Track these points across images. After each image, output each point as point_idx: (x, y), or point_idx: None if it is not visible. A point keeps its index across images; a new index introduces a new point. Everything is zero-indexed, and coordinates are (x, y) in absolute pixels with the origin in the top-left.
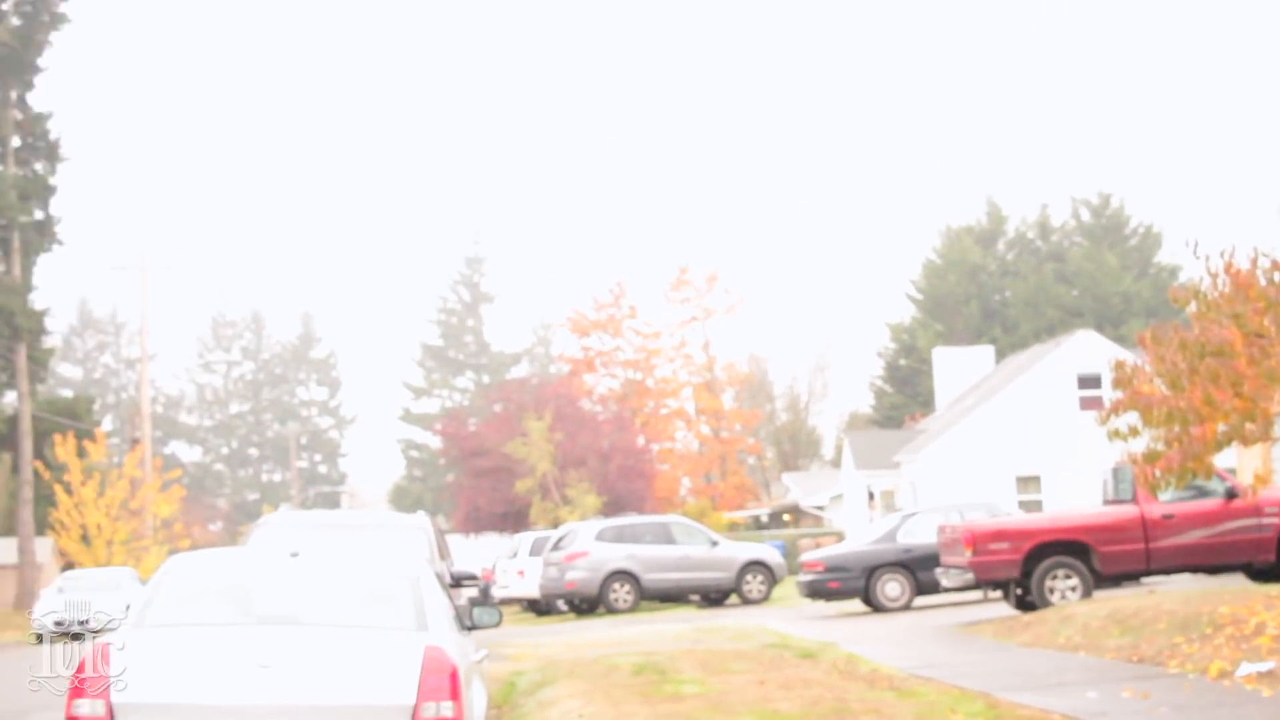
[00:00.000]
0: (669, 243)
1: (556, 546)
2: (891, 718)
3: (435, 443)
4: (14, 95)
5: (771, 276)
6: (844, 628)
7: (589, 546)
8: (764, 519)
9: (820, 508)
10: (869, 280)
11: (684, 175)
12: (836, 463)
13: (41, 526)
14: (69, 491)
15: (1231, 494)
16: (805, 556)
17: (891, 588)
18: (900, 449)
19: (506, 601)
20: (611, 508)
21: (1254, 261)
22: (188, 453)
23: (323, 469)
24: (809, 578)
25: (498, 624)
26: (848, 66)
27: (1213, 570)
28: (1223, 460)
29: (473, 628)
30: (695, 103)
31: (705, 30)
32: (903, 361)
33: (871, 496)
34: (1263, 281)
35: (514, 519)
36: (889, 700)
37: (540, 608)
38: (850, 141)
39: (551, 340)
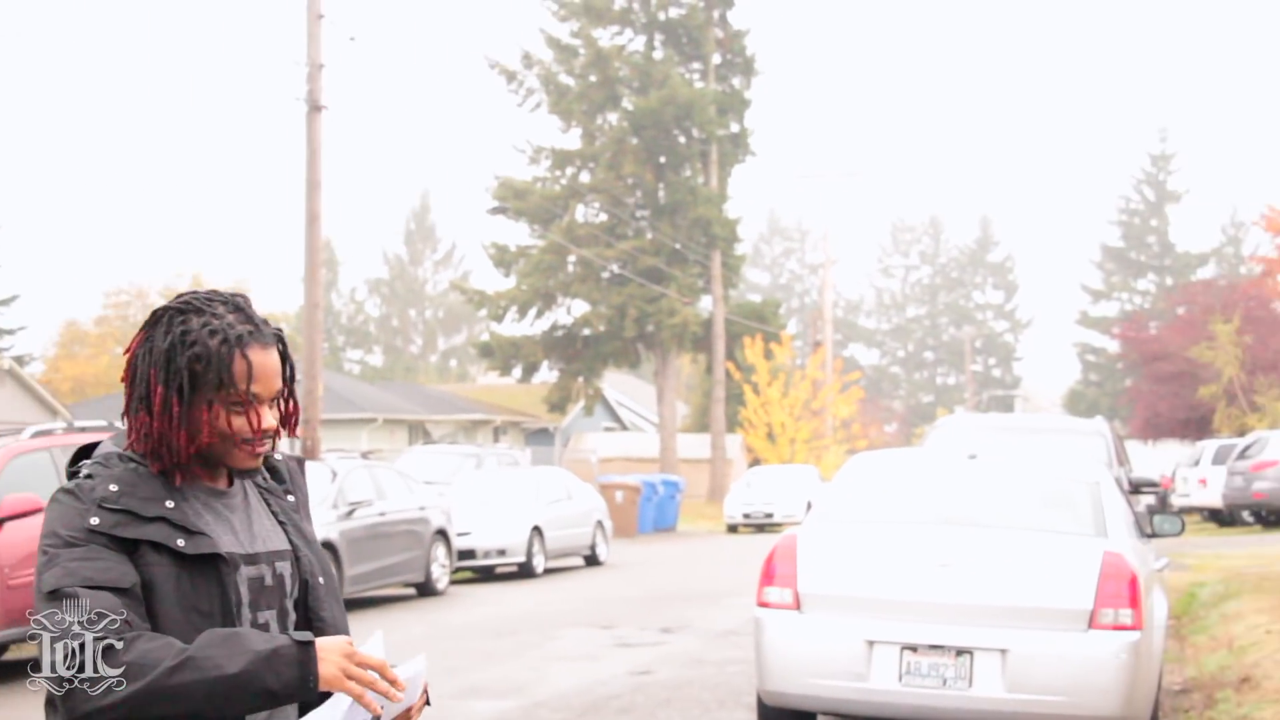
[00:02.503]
0: None
1: (1243, 455)
2: None
3: (1113, 347)
4: (716, 14)
5: None
6: None
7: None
8: None
9: None
10: None
11: None
12: None
13: (732, 424)
14: (756, 391)
15: None
16: None
17: None
18: None
19: (1186, 510)
20: None
21: None
22: (866, 355)
23: (997, 373)
24: None
25: (1180, 533)
26: None
27: None
28: None
29: (1153, 535)
30: None
31: None
32: None
33: None
34: None
35: (1195, 426)
36: None
37: (1223, 518)
38: None
39: (1242, 240)
